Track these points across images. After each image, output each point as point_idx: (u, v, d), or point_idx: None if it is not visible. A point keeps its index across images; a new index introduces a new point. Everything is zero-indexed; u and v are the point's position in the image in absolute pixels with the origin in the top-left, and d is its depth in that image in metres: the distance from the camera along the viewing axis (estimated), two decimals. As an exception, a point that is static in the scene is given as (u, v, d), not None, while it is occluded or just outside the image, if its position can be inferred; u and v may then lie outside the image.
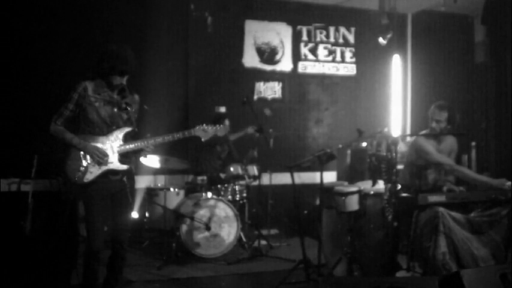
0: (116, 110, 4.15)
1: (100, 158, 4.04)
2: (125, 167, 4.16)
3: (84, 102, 4.05)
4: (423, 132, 5.42)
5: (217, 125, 4.41)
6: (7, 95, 6.44)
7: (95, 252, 4.06)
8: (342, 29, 8.43)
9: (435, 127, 5.25)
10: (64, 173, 4.08)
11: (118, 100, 4.15)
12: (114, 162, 4.11)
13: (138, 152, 4.28)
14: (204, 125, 4.34)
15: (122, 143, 4.15)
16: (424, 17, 8.56)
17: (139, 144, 4.17)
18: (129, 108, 4.16)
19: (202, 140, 4.39)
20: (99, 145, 4.08)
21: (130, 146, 4.16)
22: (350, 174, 7.26)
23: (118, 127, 4.15)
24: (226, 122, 6.80)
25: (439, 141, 5.34)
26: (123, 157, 4.15)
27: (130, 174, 4.25)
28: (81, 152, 4.05)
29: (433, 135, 5.30)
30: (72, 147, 4.06)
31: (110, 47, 4.10)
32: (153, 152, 4.55)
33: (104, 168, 4.08)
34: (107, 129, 4.12)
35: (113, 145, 4.12)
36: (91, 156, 4.04)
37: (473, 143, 8.11)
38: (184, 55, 7.58)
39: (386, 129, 5.09)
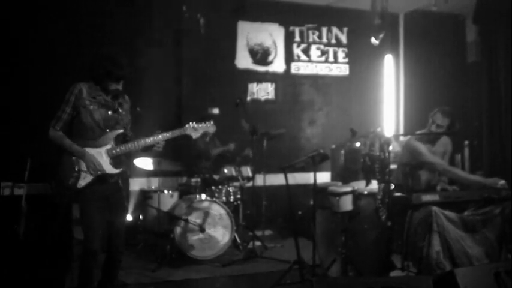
0: (110, 112, 4.13)
1: (95, 170, 4.03)
2: (117, 170, 4.14)
3: (79, 105, 4.03)
4: (417, 132, 5.43)
5: (207, 122, 4.41)
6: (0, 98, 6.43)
7: (93, 252, 4.03)
8: (335, 30, 8.45)
9: (434, 130, 5.25)
10: (57, 178, 4.06)
11: (112, 103, 4.14)
12: (106, 167, 4.09)
13: (130, 155, 4.26)
14: (194, 122, 4.33)
15: (113, 146, 4.13)
16: (416, 16, 8.59)
17: (130, 146, 4.15)
18: (120, 110, 4.15)
19: (194, 137, 4.39)
20: (90, 150, 4.05)
21: (122, 149, 4.14)
22: (344, 175, 7.27)
23: (111, 130, 4.14)
24: (211, 122, 6.79)
25: (433, 142, 5.36)
26: (115, 160, 4.14)
27: (124, 177, 4.24)
28: (74, 157, 4.04)
29: (427, 136, 5.32)
30: (65, 152, 4.04)
31: (105, 53, 4.10)
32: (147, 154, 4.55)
33: (98, 173, 4.07)
34: (99, 133, 4.09)
35: (104, 149, 4.11)
36: (87, 166, 4.02)
37: (466, 142, 8.15)
38: (177, 56, 7.57)
39: (379, 129, 5.09)
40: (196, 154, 6.86)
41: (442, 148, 5.42)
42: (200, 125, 4.35)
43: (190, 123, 4.34)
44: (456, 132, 5.41)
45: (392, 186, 4.94)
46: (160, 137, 4.20)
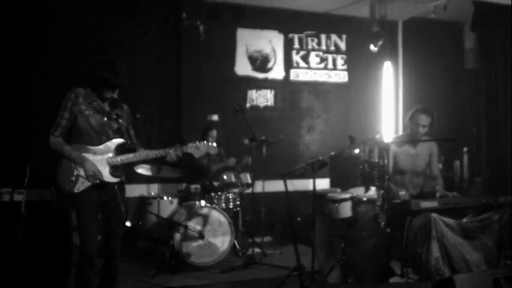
0: (105, 119, 4.15)
1: (94, 178, 4.04)
2: (116, 179, 4.15)
3: (75, 110, 4.05)
4: (398, 136, 5.48)
5: (210, 143, 4.41)
6: (-1, 105, 6.45)
7: (89, 258, 4.04)
8: (334, 37, 8.48)
9: (421, 131, 5.32)
10: (55, 183, 4.07)
11: (109, 110, 4.17)
12: (105, 175, 4.10)
13: (129, 164, 4.27)
14: (197, 142, 4.34)
15: (113, 155, 4.15)
16: (414, 24, 8.61)
17: (130, 157, 4.17)
18: (120, 120, 4.17)
19: (195, 156, 4.41)
20: (92, 156, 4.07)
21: (122, 159, 4.16)
22: (343, 181, 7.27)
23: (107, 136, 4.15)
24: (214, 132, 6.82)
25: (414, 144, 5.39)
26: (114, 169, 4.15)
27: (120, 184, 4.24)
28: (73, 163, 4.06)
29: (408, 139, 5.39)
30: (64, 158, 4.06)
31: (101, 60, 4.12)
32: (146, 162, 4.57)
33: (96, 181, 4.08)
34: (97, 138, 4.11)
35: (104, 157, 4.12)
36: (86, 174, 4.03)
37: (465, 149, 8.17)
38: (176, 64, 7.59)
39: (378, 136, 5.11)
40: (198, 168, 6.86)
41: (426, 150, 5.45)
42: (203, 145, 4.34)
43: (194, 142, 4.33)
44: (453, 139, 5.47)
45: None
46: (162, 152, 4.21)
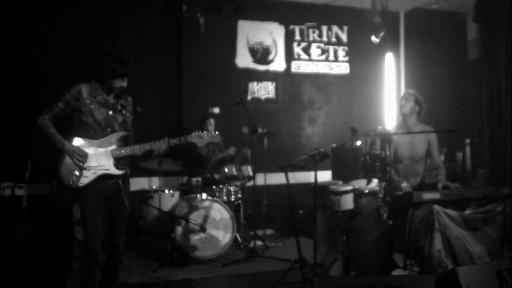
0: (111, 112, 4.13)
1: (78, 160, 4.01)
2: (120, 172, 4.13)
3: (78, 105, 4.03)
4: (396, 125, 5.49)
5: (213, 132, 4.41)
6: (0, 99, 6.42)
7: (94, 253, 4.01)
8: (335, 28, 8.43)
9: (401, 111, 5.43)
10: (59, 178, 4.05)
11: (113, 103, 4.14)
12: (109, 167, 4.09)
13: (133, 157, 4.26)
14: (200, 131, 4.33)
15: (117, 147, 4.13)
16: (416, 15, 8.58)
17: (134, 149, 4.15)
18: (124, 111, 4.15)
19: (199, 145, 4.40)
20: (91, 150, 4.04)
21: (126, 151, 4.14)
22: (344, 173, 7.25)
23: (113, 130, 4.13)
24: (212, 121, 6.83)
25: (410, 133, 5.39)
26: (119, 161, 4.13)
27: (125, 178, 4.23)
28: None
29: (403, 128, 5.38)
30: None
31: (107, 50, 4.08)
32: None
33: (99, 173, 4.06)
34: (101, 132, 4.09)
35: (108, 150, 4.10)
36: (69, 157, 4.01)
37: (468, 140, 8.14)
38: (177, 56, 7.57)
39: (380, 128, 5.09)
40: (198, 159, 6.85)
41: (420, 139, 5.42)
42: (206, 134, 4.33)
43: (197, 131, 4.32)
44: (455, 130, 5.44)
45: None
46: (166, 143, 4.19)
